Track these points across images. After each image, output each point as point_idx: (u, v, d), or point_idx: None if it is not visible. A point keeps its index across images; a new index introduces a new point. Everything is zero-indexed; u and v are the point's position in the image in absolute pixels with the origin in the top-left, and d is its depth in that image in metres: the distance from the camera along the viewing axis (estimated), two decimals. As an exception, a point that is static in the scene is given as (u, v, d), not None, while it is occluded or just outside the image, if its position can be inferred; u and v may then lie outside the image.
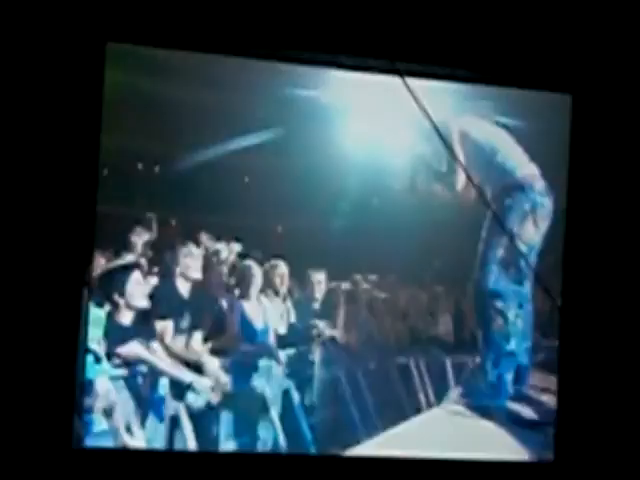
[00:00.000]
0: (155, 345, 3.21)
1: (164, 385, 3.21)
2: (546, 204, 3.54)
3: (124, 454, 3.20)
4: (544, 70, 3.49)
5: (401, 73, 3.23)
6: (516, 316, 3.52)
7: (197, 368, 3.24)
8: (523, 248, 3.49)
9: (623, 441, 3.43)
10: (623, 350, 3.45)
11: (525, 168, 3.55)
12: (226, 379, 3.27)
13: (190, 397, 3.23)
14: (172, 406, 3.22)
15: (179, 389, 3.22)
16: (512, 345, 3.50)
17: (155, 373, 3.20)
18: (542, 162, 3.54)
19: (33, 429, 3.04)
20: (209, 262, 3.30)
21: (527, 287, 3.53)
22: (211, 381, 3.25)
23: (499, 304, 3.52)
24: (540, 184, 3.55)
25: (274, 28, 3.22)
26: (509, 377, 3.51)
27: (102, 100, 3.11)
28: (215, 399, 3.25)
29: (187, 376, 3.23)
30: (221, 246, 3.30)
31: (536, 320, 3.53)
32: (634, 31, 3.47)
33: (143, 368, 3.19)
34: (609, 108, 3.50)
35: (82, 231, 3.10)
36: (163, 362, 3.21)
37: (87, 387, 3.13)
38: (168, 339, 3.23)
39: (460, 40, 3.38)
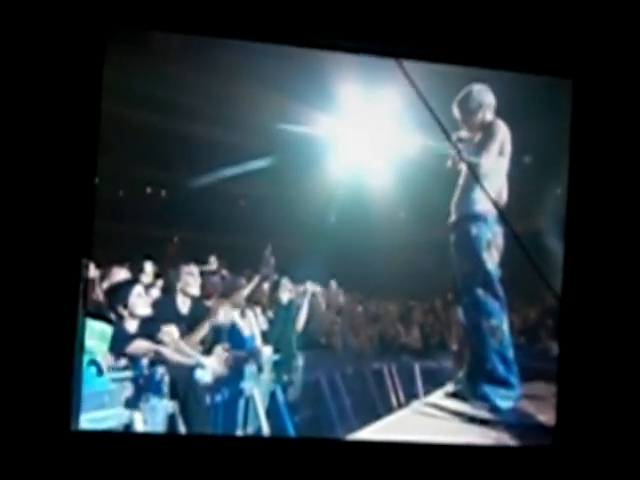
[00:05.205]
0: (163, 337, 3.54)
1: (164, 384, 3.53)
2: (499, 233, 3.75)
3: (121, 437, 3.38)
4: (544, 54, 3.49)
5: (397, 56, 3.38)
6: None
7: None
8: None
9: (621, 425, 3.53)
10: (620, 341, 3.56)
11: (484, 203, 3.74)
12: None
13: (198, 373, 3.54)
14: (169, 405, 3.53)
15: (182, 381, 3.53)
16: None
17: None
18: (541, 147, 3.63)
19: (30, 411, 3.18)
20: (204, 277, 3.65)
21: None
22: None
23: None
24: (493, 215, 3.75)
25: (273, 12, 3.36)
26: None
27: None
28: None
29: (192, 359, 3.55)
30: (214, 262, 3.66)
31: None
32: (635, 15, 3.49)
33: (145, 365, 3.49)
34: (610, 93, 3.50)
35: (78, 245, 3.37)
36: (168, 349, 3.52)
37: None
38: (175, 335, 3.56)
39: (460, 23, 3.41)
